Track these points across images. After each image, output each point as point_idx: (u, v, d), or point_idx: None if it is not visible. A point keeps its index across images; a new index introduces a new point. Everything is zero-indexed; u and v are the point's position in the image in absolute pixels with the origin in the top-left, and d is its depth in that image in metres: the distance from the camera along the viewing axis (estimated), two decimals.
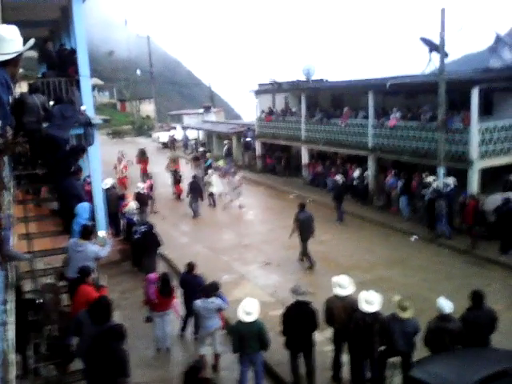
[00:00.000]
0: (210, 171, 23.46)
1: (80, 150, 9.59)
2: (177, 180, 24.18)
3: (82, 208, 8.93)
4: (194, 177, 21.60)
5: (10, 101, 4.27)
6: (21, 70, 4.36)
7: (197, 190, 20.74)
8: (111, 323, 7.17)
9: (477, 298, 8.13)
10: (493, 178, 17.47)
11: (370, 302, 7.97)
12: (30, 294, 8.93)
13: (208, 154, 28.62)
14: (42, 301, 8.41)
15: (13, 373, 3.99)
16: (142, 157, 26.88)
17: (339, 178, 20.05)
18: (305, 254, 14.65)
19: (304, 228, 14.25)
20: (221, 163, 26.69)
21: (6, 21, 4.30)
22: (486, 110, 18.49)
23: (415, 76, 21.75)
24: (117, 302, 12.37)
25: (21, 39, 4.07)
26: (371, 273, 13.89)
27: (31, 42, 4.20)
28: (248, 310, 8.08)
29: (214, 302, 8.92)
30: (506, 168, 17.54)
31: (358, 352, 8.21)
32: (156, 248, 13.49)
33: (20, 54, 4.05)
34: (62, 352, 8.04)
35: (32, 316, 8.25)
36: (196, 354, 9.69)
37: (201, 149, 33.35)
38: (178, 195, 24.13)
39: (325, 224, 19.12)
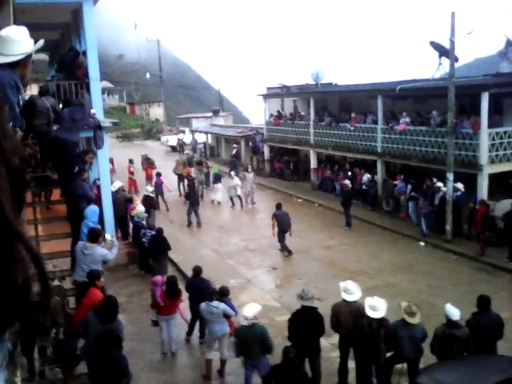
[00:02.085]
0: (232, 173, 23.49)
1: (85, 152, 9.64)
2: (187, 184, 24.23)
3: (91, 211, 8.96)
4: (191, 182, 21.49)
5: (21, 102, 4.27)
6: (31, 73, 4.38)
7: (194, 196, 20.52)
8: (117, 323, 7.24)
9: (483, 302, 8.07)
10: (499, 184, 17.34)
11: (376, 308, 7.92)
12: (36, 297, 8.95)
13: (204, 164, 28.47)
14: (48, 304, 8.43)
15: (19, 375, 4.00)
16: (147, 163, 26.95)
17: (348, 182, 19.98)
18: (283, 245, 16.27)
19: (281, 222, 16.22)
20: (216, 170, 26.67)
21: (16, 23, 4.34)
22: (496, 115, 18.36)
23: (425, 80, 21.69)
24: (124, 306, 12.40)
25: (31, 41, 4.08)
26: (378, 278, 13.82)
27: (40, 43, 4.21)
28: (246, 315, 8.11)
29: (218, 306, 8.90)
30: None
31: (363, 358, 8.16)
32: (166, 252, 13.52)
33: (30, 56, 4.06)
34: (68, 355, 8.05)
35: (38, 319, 8.27)
36: (202, 358, 9.70)
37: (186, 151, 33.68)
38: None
39: (332, 229, 19.11)
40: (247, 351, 8.12)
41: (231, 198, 23.17)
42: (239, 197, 22.87)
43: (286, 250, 16.38)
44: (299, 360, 8.43)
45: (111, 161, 24.52)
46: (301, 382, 7.32)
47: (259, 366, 8.23)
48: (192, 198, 19.96)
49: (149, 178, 25.83)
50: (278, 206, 16.91)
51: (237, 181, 22.95)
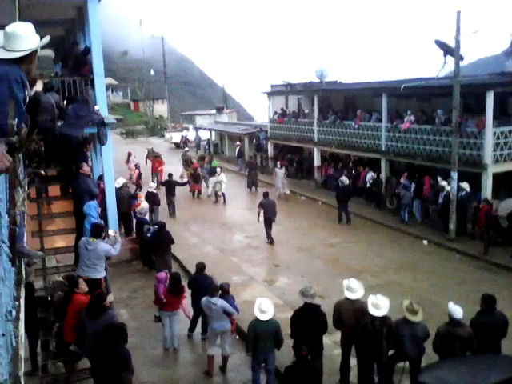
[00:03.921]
0: (218, 169, 23.96)
1: (84, 141, 9.66)
2: (195, 179, 24.38)
3: (88, 207, 9.00)
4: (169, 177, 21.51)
5: (27, 99, 4.29)
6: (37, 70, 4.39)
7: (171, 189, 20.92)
8: (108, 317, 7.30)
9: (488, 301, 8.06)
10: (504, 183, 17.30)
11: (378, 306, 7.93)
12: (40, 292, 9.01)
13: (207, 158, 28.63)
14: (51, 298, 8.48)
15: (22, 369, 4.02)
16: (153, 155, 26.98)
17: (345, 179, 20.07)
18: (267, 232, 17.07)
19: (266, 211, 16.92)
20: (215, 164, 26.70)
21: (22, 20, 4.36)
22: (501, 114, 18.31)
23: (429, 79, 21.63)
24: (126, 301, 12.50)
25: (36, 37, 4.09)
26: (381, 277, 13.82)
27: (46, 39, 4.23)
28: (264, 309, 8.16)
29: (216, 303, 8.93)
30: None
31: (365, 356, 8.17)
32: (169, 247, 13.56)
33: (35, 52, 4.08)
34: (70, 350, 8.10)
35: (41, 313, 8.32)
36: (204, 354, 9.73)
37: (186, 149, 33.86)
38: (198, 193, 24.61)
39: (336, 227, 19.11)
40: (260, 345, 8.17)
41: (216, 194, 23.57)
42: (223, 194, 23.34)
43: (268, 238, 17.10)
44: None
45: (137, 166, 24.60)
46: (314, 379, 7.37)
47: (269, 360, 8.32)
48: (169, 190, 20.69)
49: (154, 171, 25.83)
50: (265, 195, 17.49)
51: (222, 177, 23.34)
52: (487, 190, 16.76)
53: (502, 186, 17.19)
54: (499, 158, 17.05)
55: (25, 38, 3.97)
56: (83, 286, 7.84)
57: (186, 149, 32.90)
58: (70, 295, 7.87)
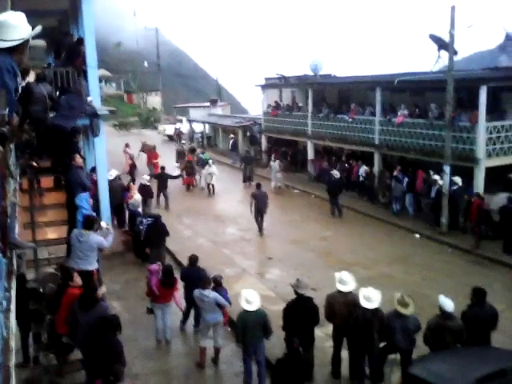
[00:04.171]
0: (210, 161, 24.14)
1: (74, 132, 9.61)
2: (188, 172, 24.38)
3: (80, 199, 8.98)
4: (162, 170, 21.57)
5: (19, 88, 4.26)
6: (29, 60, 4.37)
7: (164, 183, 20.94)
8: (101, 309, 7.31)
9: (478, 294, 8.14)
10: (496, 178, 17.39)
11: (370, 298, 7.98)
12: (32, 283, 8.98)
13: (199, 150, 28.67)
14: (43, 290, 8.46)
15: (13, 360, 4.01)
16: (148, 147, 26.87)
17: (336, 172, 20.17)
18: (257, 222, 17.32)
19: (258, 202, 17.14)
20: (207, 157, 26.67)
21: (14, 10, 4.32)
22: (495, 109, 18.37)
23: (423, 73, 21.66)
24: (119, 293, 12.48)
25: (28, 26, 4.07)
26: (373, 269, 13.88)
27: (38, 28, 4.20)
28: (250, 299, 8.20)
29: (209, 295, 8.94)
30: (508, 167, 17.46)
31: (357, 348, 8.23)
32: (164, 239, 13.56)
33: (27, 41, 4.06)
34: (62, 341, 8.09)
35: (33, 305, 8.30)
36: (196, 346, 9.76)
37: (183, 141, 33.84)
38: (189, 186, 24.61)
39: (329, 220, 19.17)
40: (249, 336, 8.20)
41: (208, 185, 23.72)
42: (213, 185, 23.60)
43: (258, 228, 17.39)
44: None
45: (131, 158, 24.48)
46: (306, 371, 7.42)
47: (259, 350, 8.35)
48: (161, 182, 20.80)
49: (150, 164, 25.69)
50: (258, 186, 17.79)
51: (213, 169, 23.56)
52: (479, 184, 16.85)
53: (494, 180, 17.27)
54: (492, 152, 17.14)
55: (17, 27, 3.95)
56: (77, 280, 7.83)
57: (183, 142, 32.87)
58: (64, 288, 7.85)
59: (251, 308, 8.14)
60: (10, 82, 3.92)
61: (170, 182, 21.20)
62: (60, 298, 7.76)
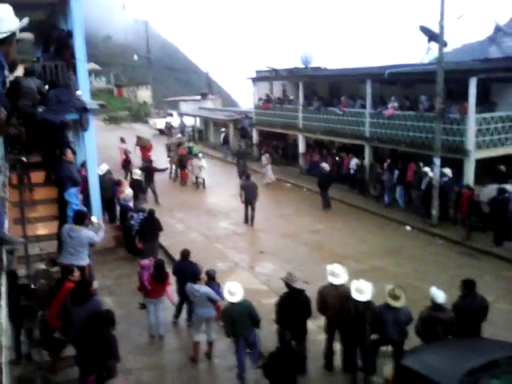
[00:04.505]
0: (200, 155, 24.18)
1: (63, 126, 9.55)
2: (182, 166, 24.32)
3: (69, 194, 8.92)
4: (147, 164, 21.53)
5: (7, 82, 4.20)
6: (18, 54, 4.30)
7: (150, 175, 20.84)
8: (94, 304, 7.27)
9: (468, 285, 8.19)
10: (485, 169, 17.49)
11: (361, 291, 8.01)
12: (23, 280, 8.93)
13: (189, 144, 28.56)
14: (35, 286, 8.41)
15: (5, 357, 3.99)
16: (144, 141, 26.70)
17: (325, 165, 20.21)
18: (248, 215, 17.67)
19: (247, 192, 17.50)
20: (196, 151, 26.61)
21: (1, 2, 4.27)
22: (484, 101, 18.44)
23: (414, 65, 21.67)
24: (111, 288, 12.44)
25: (15, 19, 4.02)
26: (365, 262, 13.94)
27: (25, 21, 4.15)
28: (232, 291, 8.25)
29: (199, 289, 8.94)
30: (498, 159, 17.56)
31: (349, 340, 8.26)
32: (157, 234, 13.53)
33: (14, 34, 4.00)
34: (55, 338, 8.06)
35: (25, 301, 8.25)
36: (189, 340, 9.75)
37: (178, 135, 33.79)
38: (184, 181, 24.55)
39: (320, 213, 19.20)
40: (238, 328, 8.23)
41: (197, 179, 23.67)
42: (203, 179, 23.58)
43: (245, 218, 17.69)
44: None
45: (125, 152, 24.28)
46: (298, 364, 7.43)
47: (249, 338, 8.38)
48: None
49: (145, 158, 25.50)
50: (247, 177, 18.13)
51: (203, 162, 23.53)
52: (469, 176, 16.94)
53: (484, 171, 17.37)
54: (482, 144, 17.22)
55: (3, 19, 3.90)
56: (76, 274, 7.81)
57: (178, 135, 32.72)
58: (62, 281, 7.81)
59: (235, 299, 8.20)
60: None
61: (158, 175, 21.09)
62: (54, 293, 7.71)
